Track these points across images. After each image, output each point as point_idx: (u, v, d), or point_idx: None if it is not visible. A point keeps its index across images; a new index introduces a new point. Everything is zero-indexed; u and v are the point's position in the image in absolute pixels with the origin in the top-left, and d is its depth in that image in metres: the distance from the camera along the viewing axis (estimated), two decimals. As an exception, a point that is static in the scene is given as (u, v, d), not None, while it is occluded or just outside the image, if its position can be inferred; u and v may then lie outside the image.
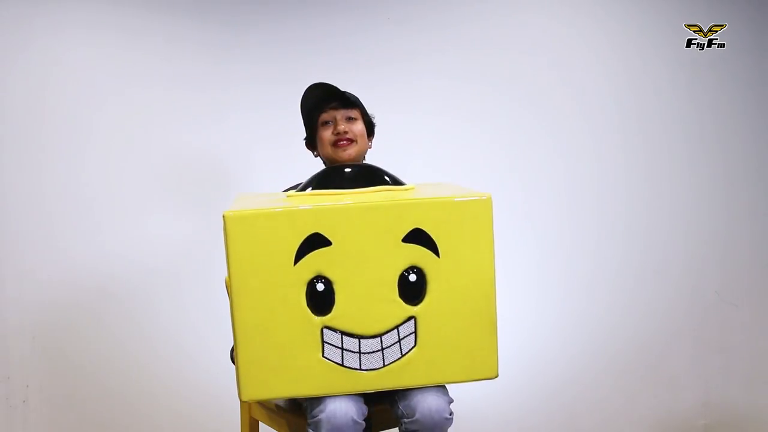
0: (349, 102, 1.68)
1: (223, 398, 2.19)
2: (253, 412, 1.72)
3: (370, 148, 1.76)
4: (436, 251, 1.29)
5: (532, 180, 2.58)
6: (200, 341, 2.39)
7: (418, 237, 1.28)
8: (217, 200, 2.28)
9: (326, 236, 1.25)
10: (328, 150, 1.67)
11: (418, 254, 1.29)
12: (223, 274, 1.54)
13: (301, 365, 1.28)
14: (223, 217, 1.23)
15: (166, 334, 2.40)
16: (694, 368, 2.69)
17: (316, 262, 1.26)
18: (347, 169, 1.49)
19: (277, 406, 1.63)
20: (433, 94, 2.50)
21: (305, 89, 1.69)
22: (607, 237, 2.63)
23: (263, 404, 1.67)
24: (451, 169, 2.49)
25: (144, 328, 2.39)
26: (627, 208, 2.64)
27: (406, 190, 1.44)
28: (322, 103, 1.67)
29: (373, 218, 1.27)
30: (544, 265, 2.61)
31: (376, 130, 1.79)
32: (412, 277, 1.29)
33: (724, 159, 2.67)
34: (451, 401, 1.40)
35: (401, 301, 1.29)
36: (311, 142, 1.76)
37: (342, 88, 1.69)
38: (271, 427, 1.67)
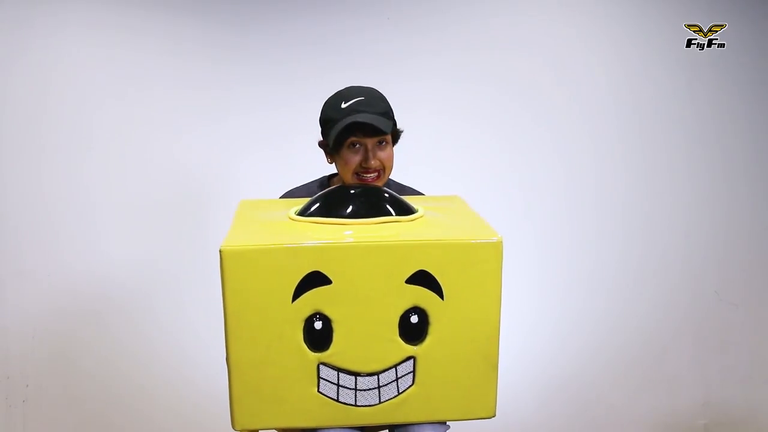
0: (384, 132, 1.52)
1: (222, 398, 2.18)
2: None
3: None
4: (440, 293, 1.23)
5: (531, 180, 2.58)
6: (200, 341, 2.39)
7: (422, 278, 1.22)
8: (217, 200, 2.28)
9: (326, 275, 1.20)
10: (349, 176, 1.55)
11: (421, 296, 1.23)
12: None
13: (295, 399, 1.25)
14: (220, 252, 1.18)
15: (165, 334, 2.40)
16: (694, 368, 2.69)
17: (315, 300, 1.21)
18: (352, 191, 1.39)
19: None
20: (433, 94, 2.50)
21: (339, 92, 1.55)
22: (607, 237, 2.63)
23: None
24: (451, 170, 2.50)
25: (144, 328, 2.39)
26: (627, 208, 2.64)
27: (412, 221, 1.35)
28: (354, 124, 1.49)
29: (376, 258, 1.21)
30: (544, 265, 2.61)
31: None
32: (414, 319, 1.24)
33: (723, 159, 2.67)
34: (447, 428, 1.39)
35: (401, 341, 1.24)
36: (328, 149, 1.59)
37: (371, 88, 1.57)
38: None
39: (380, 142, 1.53)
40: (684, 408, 2.66)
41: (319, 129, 1.60)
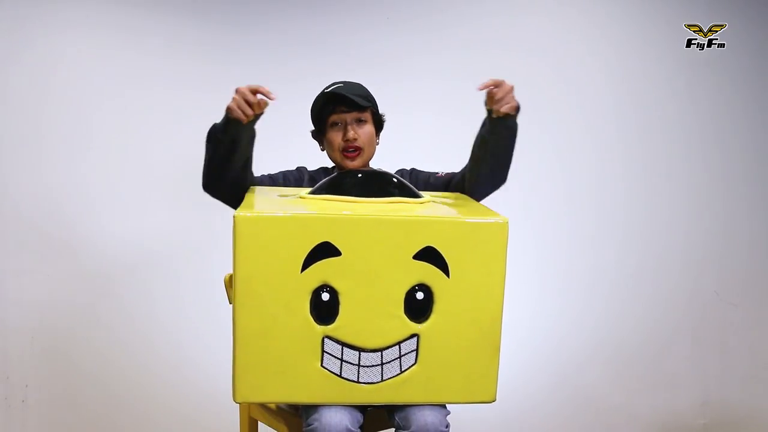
0: (360, 106, 1.64)
1: (222, 397, 2.18)
2: (252, 412, 1.72)
3: (377, 144, 1.73)
4: (446, 271, 1.26)
5: (530, 180, 2.58)
6: (200, 341, 2.39)
7: (429, 255, 1.25)
8: (217, 201, 2.28)
9: (336, 246, 1.22)
10: (336, 155, 1.66)
11: (427, 272, 1.26)
12: (223, 272, 1.55)
13: (298, 372, 1.26)
14: (234, 217, 1.21)
15: (165, 334, 2.40)
16: (693, 368, 2.69)
17: (324, 271, 1.23)
18: (360, 175, 1.46)
19: (276, 406, 1.63)
20: (432, 93, 2.50)
21: (327, 86, 1.68)
22: (606, 237, 2.63)
23: (262, 404, 1.67)
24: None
25: (143, 328, 2.39)
26: (626, 207, 2.64)
27: (422, 203, 1.40)
28: (332, 104, 1.64)
29: (386, 232, 1.23)
30: (543, 265, 2.61)
31: None
32: (419, 295, 1.26)
33: (723, 159, 2.67)
34: (447, 413, 1.39)
35: (406, 317, 1.26)
36: (319, 137, 1.73)
37: (354, 82, 1.67)
38: (271, 426, 1.67)
39: (359, 120, 1.64)
40: (683, 408, 2.67)
41: None
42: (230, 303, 1.29)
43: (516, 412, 2.56)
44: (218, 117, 2.37)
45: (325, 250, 1.22)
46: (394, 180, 1.44)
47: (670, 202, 2.66)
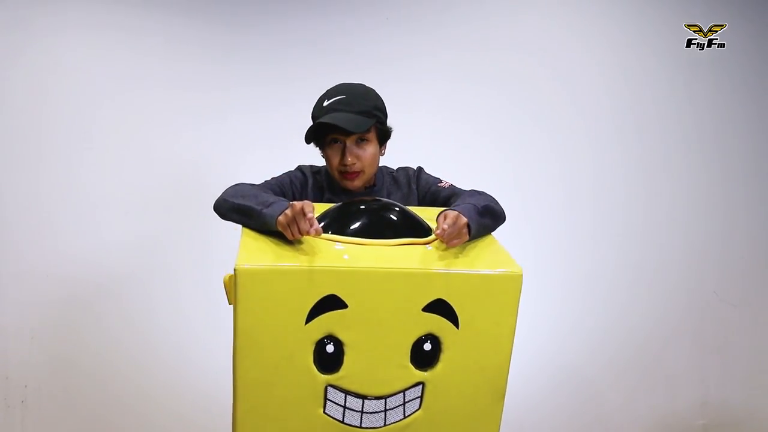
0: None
1: (221, 398, 2.18)
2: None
3: (382, 155, 1.63)
4: (456, 322, 1.22)
5: (530, 180, 2.58)
6: (199, 342, 2.39)
7: (439, 306, 1.20)
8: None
9: (343, 299, 1.17)
10: (334, 173, 1.55)
11: (436, 324, 1.21)
12: (222, 273, 1.54)
13: (300, 419, 1.23)
14: (235, 270, 1.16)
15: (165, 334, 2.40)
16: (693, 368, 2.69)
17: (329, 323, 1.18)
18: (366, 211, 1.35)
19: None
20: (432, 93, 2.50)
21: (329, 89, 1.54)
22: (606, 237, 2.63)
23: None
24: (450, 169, 2.49)
25: (143, 329, 2.39)
26: (625, 208, 2.64)
27: (430, 242, 1.31)
28: (327, 128, 1.50)
29: (394, 285, 1.18)
30: (542, 265, 2.59)
31: None
32: (427, 346, 1.23)
33: (722, 159, 2.67)
34: None
35: (412, 367, 1.23)
36: (315, 143, 1.61)
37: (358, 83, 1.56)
38: None
39: (360, 141, 1.51)
40: (682, 408, 2.67)
41: None
42: (230, 303, 1.25)
43: (516, 412, 2.55)
44: (217, 117, 2.40)
45: (330, 303, 1.18)
46: (403, 216, 1.36)
47: (669, 202, 2.66)
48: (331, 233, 1.29)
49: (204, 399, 2.37)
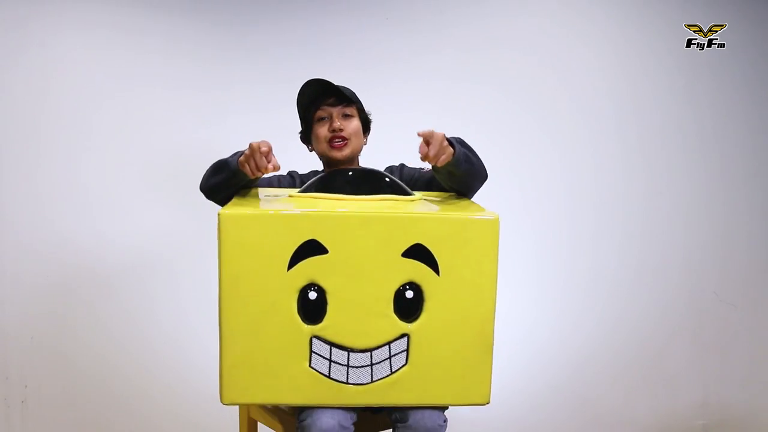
0: (346, 98, 1.66)
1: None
2: (251, 412, 1.72)
3: (365, 144, 1.74)
4: (436, 269, 1.23)
5: (530, 180, 2.58)
6: (199, 341, 2.38)
7: (418, 253, 1.22)
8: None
9: (323, 244, 1.20)
10: (323, 147, 1.66)
11: (417, 270, 1.23)
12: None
13: (286, 373, 1.24)
14: (218, 215, 1.20)
15: (165, 334, 2.40)
16: (693, 368, 2.69)
17: (311, 269, 1.21)
18: (350, 173, 1.44)
19: (275, 406, 1.63)
20: (432, 93, 2.50)
21: (302, 85, 1.69)
22: (606, 237, 2.63)
23: (261, 405, 1.66)
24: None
25: (142, 328, 2.39)
26: (626, 208, 2.64)
27: (412, 201, 1.38)
28: (318, 99, 1.66)
29: (373, 229, 1.21)
30: (542, 265, 2.61)
31: (374, 128, 1.78)
32: (409, 294, 1.24)
33: (723, 159, 2.67)
34: (445, 407, 1.37)
35: (395, 317, 1.24)
36: (306, 137, 1.75)
37: (339, 85, 1.68)
38: (270, 427, 1.67)
39: (345, 115, 1.66)
40: (682, 408, 2.67)
41: None
42: None
43: (516, 413, 2.55)
44: (217, 117, 2.40)
45: (311, 248, 1.20)
46: (386, 178, 1.43)
47: (669, 202, 2.66)
48: (316, 192, 1.37)
49: (204, 399, 2.37)
